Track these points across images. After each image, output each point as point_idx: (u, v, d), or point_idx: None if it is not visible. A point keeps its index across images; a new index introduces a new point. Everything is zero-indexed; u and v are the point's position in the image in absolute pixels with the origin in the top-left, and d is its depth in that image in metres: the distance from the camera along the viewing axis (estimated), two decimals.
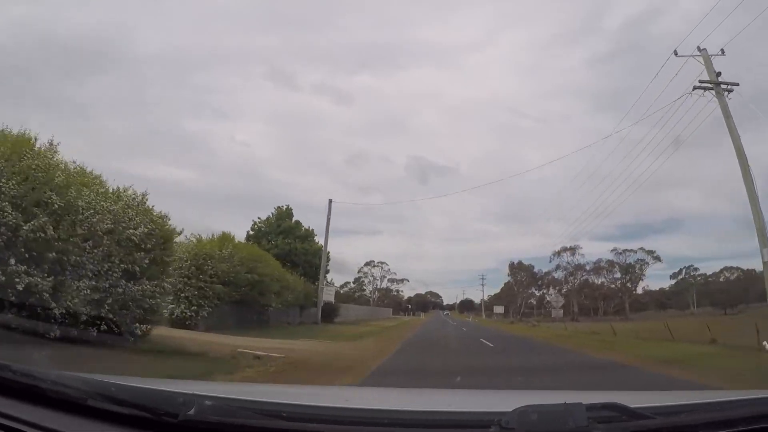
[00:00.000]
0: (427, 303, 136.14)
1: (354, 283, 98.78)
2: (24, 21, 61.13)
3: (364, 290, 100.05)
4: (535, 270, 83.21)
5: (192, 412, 1.27)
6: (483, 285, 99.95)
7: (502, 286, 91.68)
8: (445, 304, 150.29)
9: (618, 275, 73.15)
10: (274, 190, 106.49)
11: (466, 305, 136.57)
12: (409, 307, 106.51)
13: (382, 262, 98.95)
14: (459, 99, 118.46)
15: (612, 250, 73.31)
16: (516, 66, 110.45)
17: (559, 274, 77.61)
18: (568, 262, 76.40)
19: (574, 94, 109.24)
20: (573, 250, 74.47)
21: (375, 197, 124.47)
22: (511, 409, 1.24)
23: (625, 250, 71.73)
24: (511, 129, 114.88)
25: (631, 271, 71.72)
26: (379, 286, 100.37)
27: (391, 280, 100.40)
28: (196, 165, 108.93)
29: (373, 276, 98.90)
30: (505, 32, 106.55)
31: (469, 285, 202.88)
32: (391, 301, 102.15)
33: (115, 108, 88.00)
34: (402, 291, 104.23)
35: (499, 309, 78.37)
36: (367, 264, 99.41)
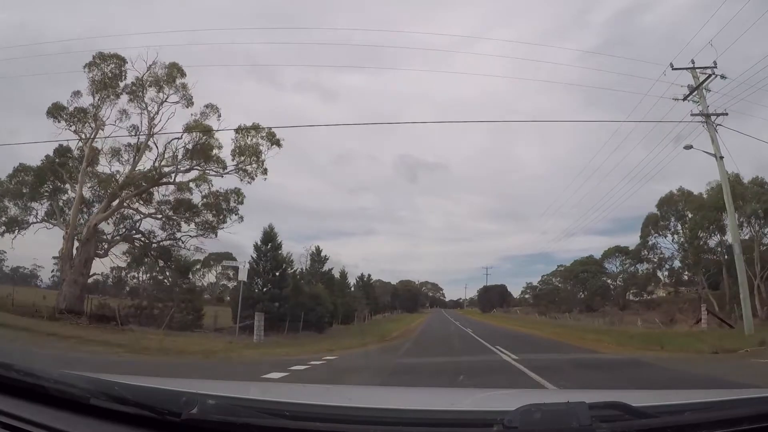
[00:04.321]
0: (417, 297, 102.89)
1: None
2: (10, 26, 60.39)
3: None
4: None
5: (195, 411, 1.27)
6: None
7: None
8: (448, 300, 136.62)
9: None
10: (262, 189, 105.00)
11: (494, 296, 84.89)
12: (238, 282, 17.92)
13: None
14: (452, 97, 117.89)
15: None
16: (507, 61, 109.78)
17: None
18: None
19: (565, 89, 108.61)
20: None
21: (368, 196, 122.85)
22: (514, 408, 1.24)
23: None
24: (504, 127, 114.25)
25: None
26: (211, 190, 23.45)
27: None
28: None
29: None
30: (496, 28, 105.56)
31: (469, 281, 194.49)
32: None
33: None
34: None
35: None
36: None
